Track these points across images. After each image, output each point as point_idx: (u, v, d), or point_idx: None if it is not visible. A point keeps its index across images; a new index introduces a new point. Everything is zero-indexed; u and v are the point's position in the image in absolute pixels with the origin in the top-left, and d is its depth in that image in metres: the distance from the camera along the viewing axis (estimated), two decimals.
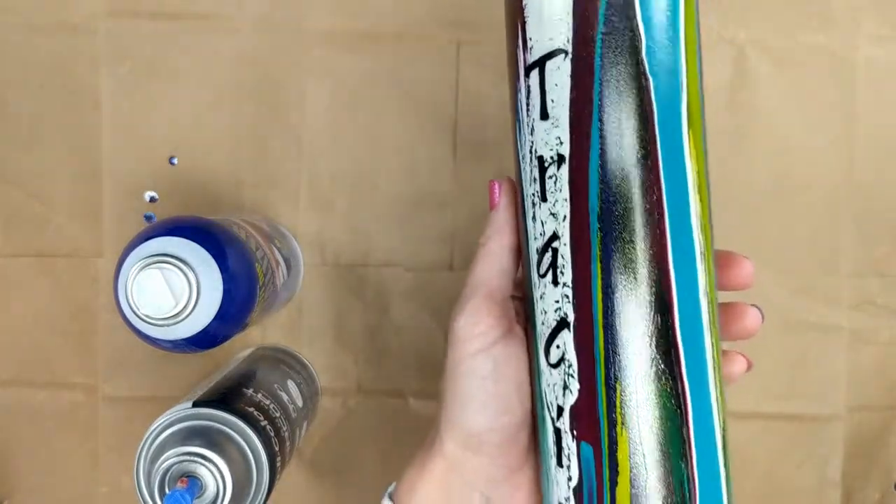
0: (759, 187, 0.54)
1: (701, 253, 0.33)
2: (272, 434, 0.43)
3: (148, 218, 0.54)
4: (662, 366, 0.32)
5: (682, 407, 0.33)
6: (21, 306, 0.55)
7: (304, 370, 0.53)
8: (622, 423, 0.32)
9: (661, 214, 0.32)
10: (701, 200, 0.33)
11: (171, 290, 0.38)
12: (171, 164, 0.54)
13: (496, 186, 0.37)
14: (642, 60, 0.32)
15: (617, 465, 0.32)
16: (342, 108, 0.54)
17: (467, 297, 0.36)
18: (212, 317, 0.39)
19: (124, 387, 0.55)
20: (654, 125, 0.32)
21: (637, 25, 0.32)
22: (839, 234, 0.54)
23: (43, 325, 0.55)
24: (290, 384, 0.49)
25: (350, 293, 0.55)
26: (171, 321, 0.38)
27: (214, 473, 0.39)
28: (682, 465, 0.33)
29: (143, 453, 0.41)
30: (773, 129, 0.54)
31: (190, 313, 0.38)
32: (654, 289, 0.32)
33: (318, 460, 0.55)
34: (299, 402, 0.49)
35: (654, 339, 0.33)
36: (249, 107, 0.54)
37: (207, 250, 0.39)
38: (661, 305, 0.32)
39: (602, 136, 0.32)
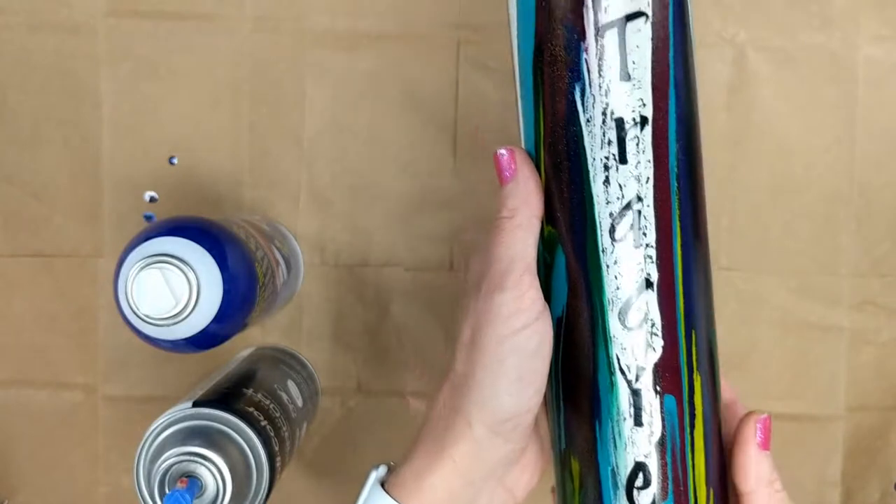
0: (759, 187, 0.54)
1: None
2: (272, 434, 0.43)
3: (148, 218, 0.54)
4: (713, 309, 0.36)
5: None
6: (21, 306, 0.55)
7: (304, 370, 0.53)
8: (697, 369, 0.35)
9: (702, 173, 0.36)
10: None
11: (171, 290, 0.38)
12: (171, 164, 0.54)
13: (505, 157, 0.35)
14: (690, 23, 0.35)
15: (694, 409, 0.35)
16: (342, 108, 0.54)
17: (504, 272, 0.34)
18: (212, 317, 0.39)
19: (124, 387, 0.55)
20: (695, 82, 0.36)
21: None
22: (839, 234, 0.54)
23: (43, 325, 0.55)
24: (290, 384, 0.49)
25: (350, 293, 0.55)
26: (171, 321, 0.38)
27: (214, 473, 0.39)
28: None
29: (143, 453, 0.41)
30: (773, 129, 0.54)
31: (190, 313, 0.38)
32: (706, 239, 0.36)
33: (318, 460, 0.55)
34: (299, 402, 0.49)
35: (711, 283, 0.36)
36: (249, 107, 0.54)
37: (207, 250, 0.39)
38: (709, 251, 0.36)
39: (678, 97, 0.34)
